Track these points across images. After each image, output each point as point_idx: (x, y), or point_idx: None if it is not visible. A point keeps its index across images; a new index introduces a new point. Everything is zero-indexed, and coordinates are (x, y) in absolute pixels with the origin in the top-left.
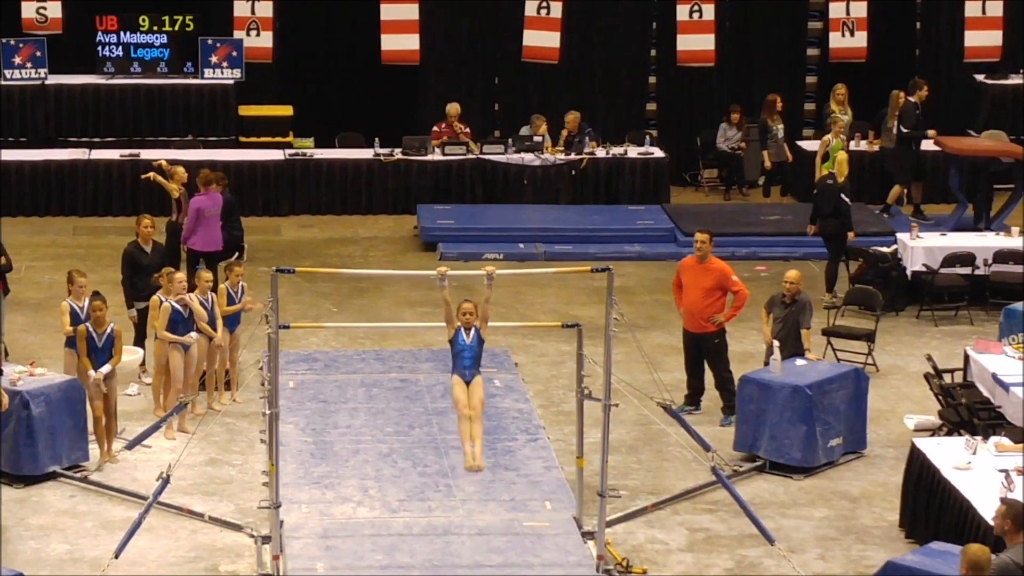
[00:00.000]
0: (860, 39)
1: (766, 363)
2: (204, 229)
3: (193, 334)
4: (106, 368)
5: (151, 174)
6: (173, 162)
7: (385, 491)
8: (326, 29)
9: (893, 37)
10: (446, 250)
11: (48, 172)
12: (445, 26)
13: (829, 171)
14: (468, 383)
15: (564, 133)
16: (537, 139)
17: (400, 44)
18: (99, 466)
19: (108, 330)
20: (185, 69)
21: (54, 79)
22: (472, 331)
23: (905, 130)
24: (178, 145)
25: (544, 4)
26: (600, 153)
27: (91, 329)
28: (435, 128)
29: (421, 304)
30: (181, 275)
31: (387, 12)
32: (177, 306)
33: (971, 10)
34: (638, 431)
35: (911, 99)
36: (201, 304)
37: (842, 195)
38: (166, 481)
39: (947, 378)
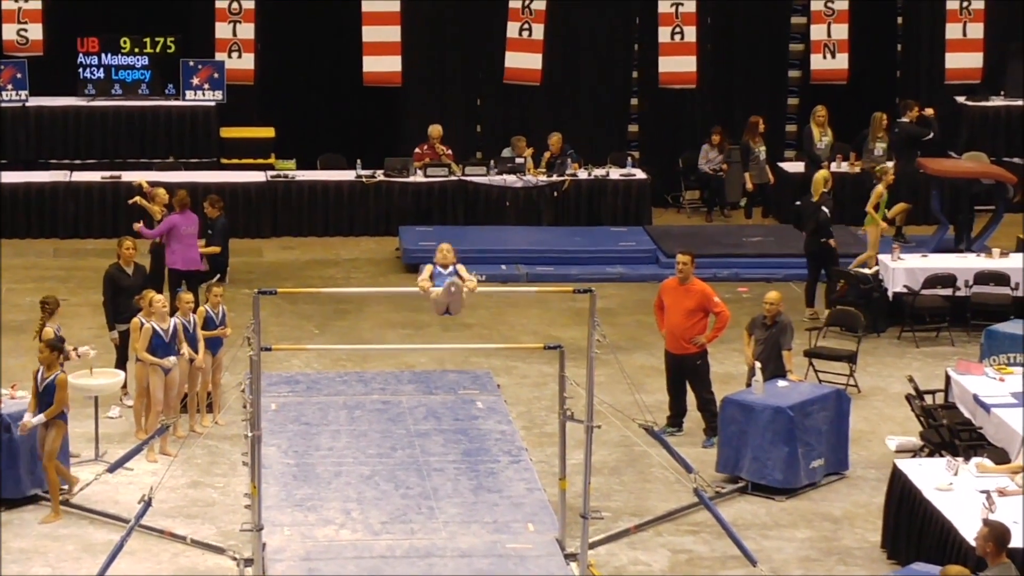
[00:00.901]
0: (841, 61)
1: (748, 384)
2: (181, 248)
3: (173, 357)
4: (36, 419)
5: (136, 198)
6: (154, 184)
7: (367, 513)
8: (308, 51)
9: (874, 59)
10: None
11: (29, 194)
12: (427, 48)
13: (819, 193)
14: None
15: (547, 155)
16: (519, 161)
17: (382, 66)
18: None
19: (52, 377)
20: (167, 91)
21: (35, 101)
22: (450, 268)
23: (925, 139)
24: (160, 167)
25: (526, 26)
26: (582, 175)
27: (41, 371)
28: (417, 150)
29: (403, 326)
30: (161, 297)
31: (369, 34)
32: (158, 328)
33: (952, 32)
34: (620, 453)
35: (903, 120)
36: (184, 327)
37: (822, 207)
38: (148, 504)
39: (928, 399)
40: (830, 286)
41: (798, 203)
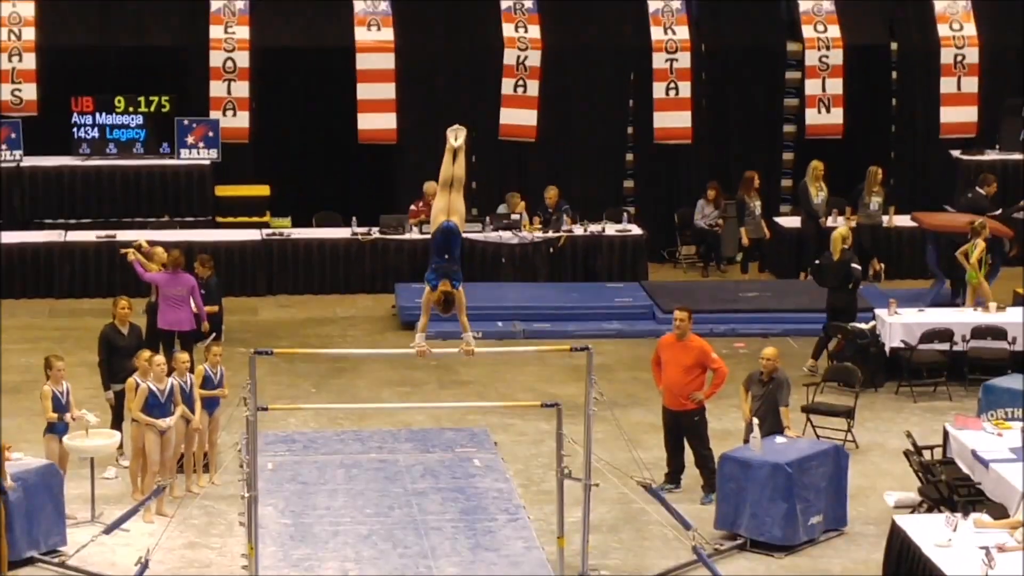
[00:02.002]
0: (836, 115)
1: (746, 441)
2: (164, 307)
3: (169, 419)
4: None
5: (131, 252)
6: (151, 243)
7: (365, 573)
8: (303, 109)
9: (869, 113)
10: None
11: (24, 254)
12: (422, 105)
13: (842, 249)
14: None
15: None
16: (515, 217)
17: (377, 123)
18: None
19: None
20: (161, 150)
21: (29, 161)
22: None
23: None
24: (155, 226)
25: (521, 82)
26: (578, 230)
27: None
28: (412, 207)
29: (400, 384)
30: (160, 358)
31: (364, 91)
32: (154, 388)
33: (946, 86)
34: (618, 510)
35: (980, 191)
36: (181, 387)
37: (852, 264)
38: (145, 565)
39: (927, 455)
40: (827, 340)
41: (817, 261)
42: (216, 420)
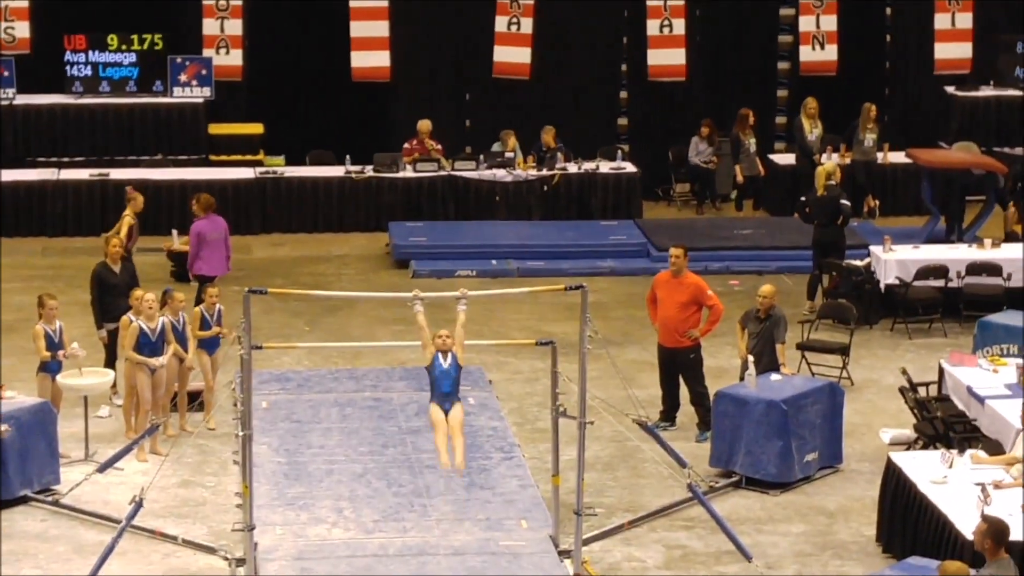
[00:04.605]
0: (830, 52)
1: (741, 378)
2: (208, 253)
3: (162, 358)
4: None
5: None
6: (138, 186)
7: (360, 512)
8: (296, 47)
9: (863, 50)
10: (418, 267)
11: (17, 193)
12: (415, 43)
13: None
14: (447, 412)
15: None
16: (509, 155)
17: (371, 61)
18: None
19: None
20: (154, 88)
21: (22, 99)
22: (449, 356)
23: None
24: (148, 164)
25: (514, 20)
26: (572, 168)
27: None
28: (406, 145)
29: (394, 322)
30: (151, 296)
31: (357, 29)
32: (145, 327)
33: (940, 22)
34: (613, 448)
35: None
36: (173, 325)
37: (842, 200)
38: (139, 504)
39: (922, 391)
40: (819, 278)
41: (803, 198)
42: (216, 360)
